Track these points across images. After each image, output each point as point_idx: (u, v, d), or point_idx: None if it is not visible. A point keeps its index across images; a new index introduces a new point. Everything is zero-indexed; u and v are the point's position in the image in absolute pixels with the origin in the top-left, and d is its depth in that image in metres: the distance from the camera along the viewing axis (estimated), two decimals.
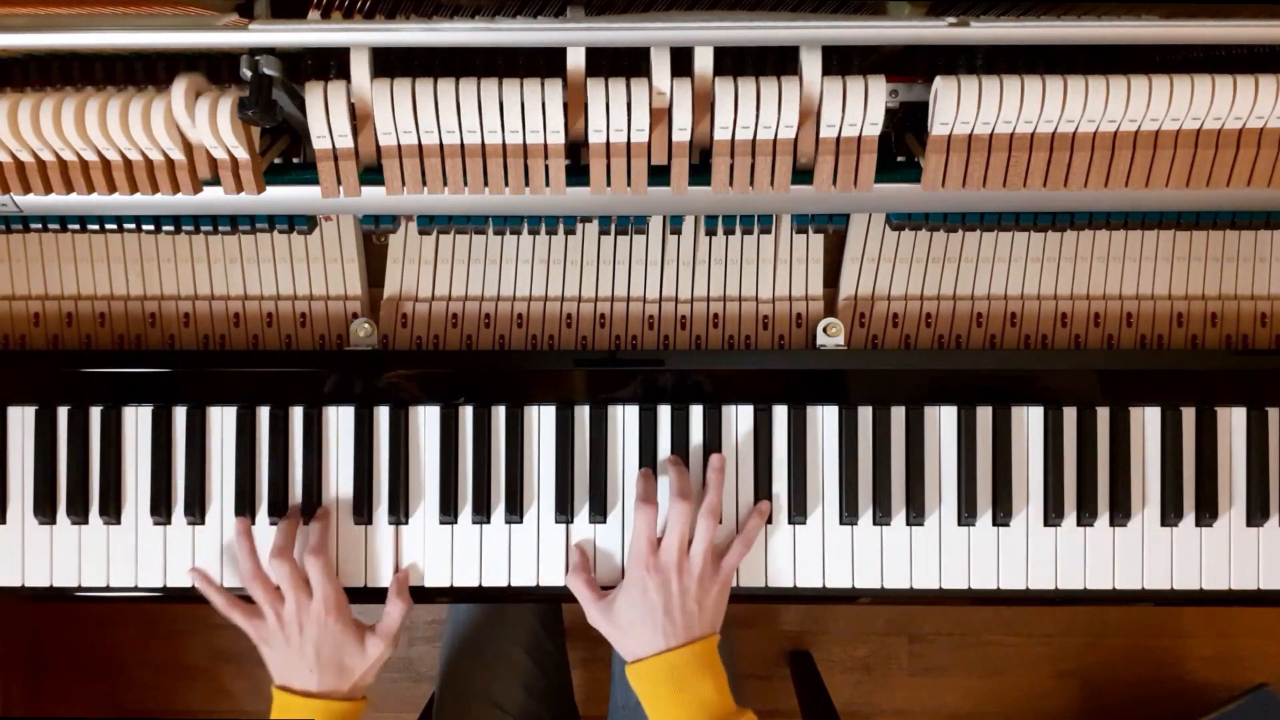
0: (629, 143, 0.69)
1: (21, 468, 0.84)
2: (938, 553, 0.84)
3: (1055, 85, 0.66)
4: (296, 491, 0.84)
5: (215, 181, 0.72)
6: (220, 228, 0.86)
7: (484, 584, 0.84)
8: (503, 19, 0.66)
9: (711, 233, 0.87)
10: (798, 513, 0.83)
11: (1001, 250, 0.86)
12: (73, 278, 0.87)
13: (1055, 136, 0.69)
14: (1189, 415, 0.83)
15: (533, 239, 0.87)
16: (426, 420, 0.84)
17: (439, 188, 0.71)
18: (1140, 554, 0.83)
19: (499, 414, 0.84)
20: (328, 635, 0.78)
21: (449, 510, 0.83)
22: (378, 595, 0.83)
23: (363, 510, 0.84)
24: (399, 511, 0.83)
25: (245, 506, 0.84)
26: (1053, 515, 0.83)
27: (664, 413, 0.84)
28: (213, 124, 0.67)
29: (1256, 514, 0.83)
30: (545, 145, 0.69)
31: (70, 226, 0.86)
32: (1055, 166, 0.71)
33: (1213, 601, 0.83)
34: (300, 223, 0.86)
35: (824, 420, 0.84)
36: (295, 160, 0.81)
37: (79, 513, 0.84)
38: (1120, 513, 0.83)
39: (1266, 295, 0.86)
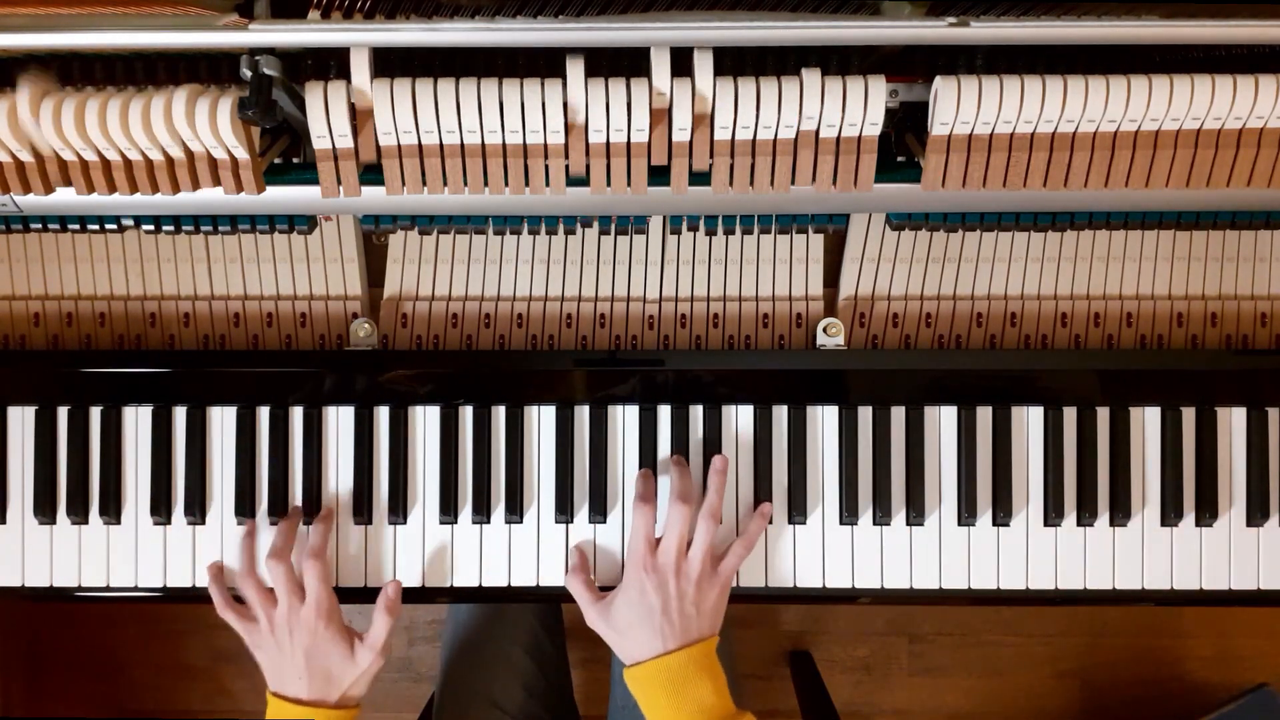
0: (629, 143, 0.69)
1: (21, 468, 0.84)
2: (938, 553, 0.84)
3: (1055, 85, 0.66)
4: (296, 491, 0.84)
5: (216, 182, 0.72)
6: (220, 228, 0.85)
7: (484, 584, 0.84)
8: (503, 19, 0.66)
9: (711, 233, 0.87)
10: (798, 513, 0.83)
11: (1001, 250, 0.86)
12: (73, 278, 0.87)
13: (1055, 136, 0.69)
14: (1189, 415, 0.83)
15: (533, 239, 0.87)
16: (426, 420, 0.84)
17: (439, 188, 0.71)
18: (1140, 554, 0.83)
19: (499, 414, 0.84)
20: (317, 642, 0.77)
21: (449, 510, 0.83)
22: (377, 596, 0.83)
23: (362, 510, 0.84)
24: (399, 511, 0.83)
25: (245, 507, 0.84)
26: (1053, 515, 0.83)
27: (664, 413, 0.84)
28: (213, 124, 0.67)
29: (1256, 514, 0.83)
30: (545, 145, 0.69)
31: (70, 226, 0.86)
32: (1055, 166, 0.71)
33: (1213, 601, 0.83)
34: (300, 223, 0.86)
35: (824, 420, 0.84)
36: (295, 160, 0.81)
37: (79, 513, 0.84)
38: (1120, 513, 0.83)
39: (1266, 295, 0.86)
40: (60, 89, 0.70)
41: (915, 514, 0.83)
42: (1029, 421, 0.84)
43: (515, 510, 0.83)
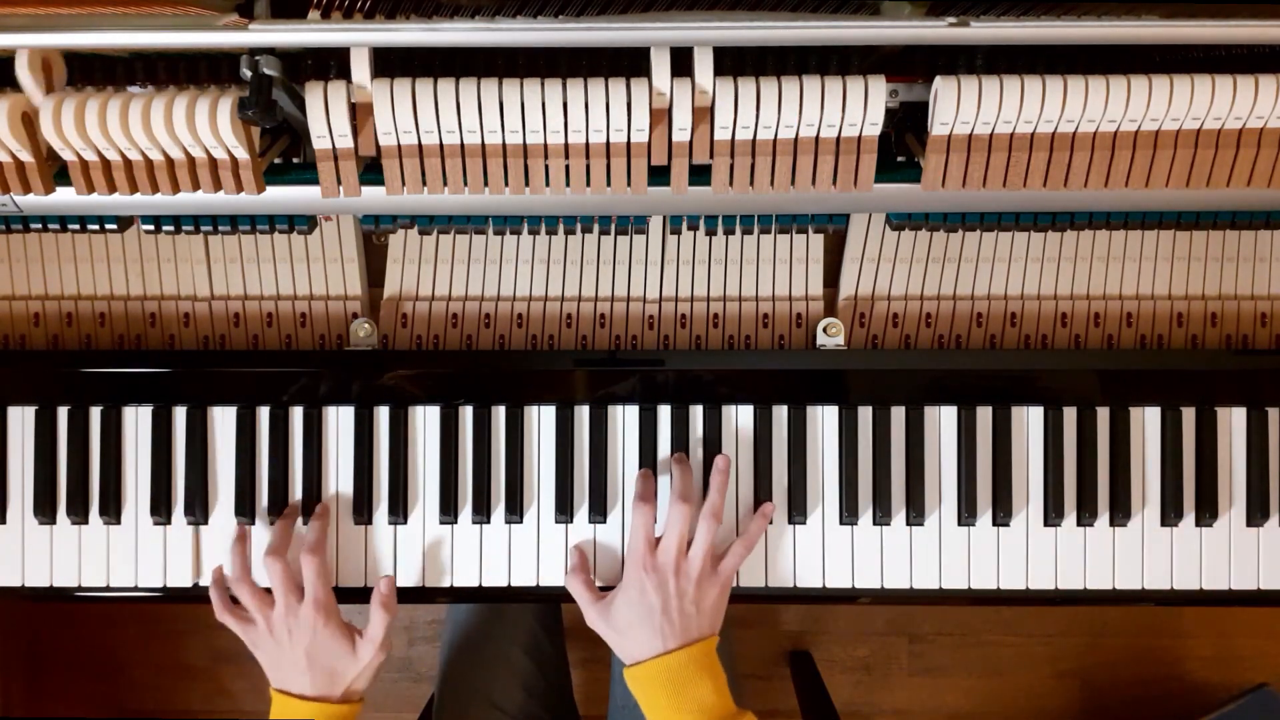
0: (629, 143, 0.69)
1: (21, 468, 0.84)
2: (938, 553, 0.84)
3: (1055, 85, 0.66)
4: (296, 491, 0.84)
5: (216, 182, 0.72)
6: (220, 228, 0.85)
7: (484, 584, 0.84)
8: (503, 19, 0.66)
9: (711, 233, 0.87)
10: (798, 513, 0.83)
11: (1001, 250, 0.86)
12: (73, 278, 0.87)
13: (1055, 136, 0.69)
14: (1189, 415, 0.83)
15: (533, 239, 0.87)
16: (426, 420, 0.84)
17: (439, 188, 0.71)
18: (1140, 554, 0.83)
19: (499, 414, 0.84)
20: (318, 638, 0.77)
21: (449, 510, 0.83)
22: None
23: (362, 510, 0.84)
24: (399, 511, 0.83)
25: (245, 506, 0.84)
26: (1053, 515, 0.83)
27: (664, 412, 0.84)
28: (213, 124, 0.67)
29: (1256, 514, 0.83)
30: (545, 145, 0.69)
31: (70, 226, 0.86)
32: (1055, 166, 0.71)
33: (1213, 601, 0.83)
34: (300, 223, 0.86)
35: (824, 420, 0.84)
36: (295, 160, 0.81)
37: (79, 513, 0.84)
38: (1120, 513, 0.83)
39: (1266, 295, 0.86)
40: (63, 85, 0.70)
41: (915, 514, 0.83)
42: (1029, 421, 0.84)
43: (515, 510, 0.83)
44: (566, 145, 0.70)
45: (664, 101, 0.67)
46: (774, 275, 0.87)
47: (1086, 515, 0.83)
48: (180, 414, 0.84)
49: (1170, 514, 0.83)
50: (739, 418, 0.84)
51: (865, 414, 0.84)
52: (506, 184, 0.71)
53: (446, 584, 0.84)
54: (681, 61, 0.67)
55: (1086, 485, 0.83)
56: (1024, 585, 0.83)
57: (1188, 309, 0.86)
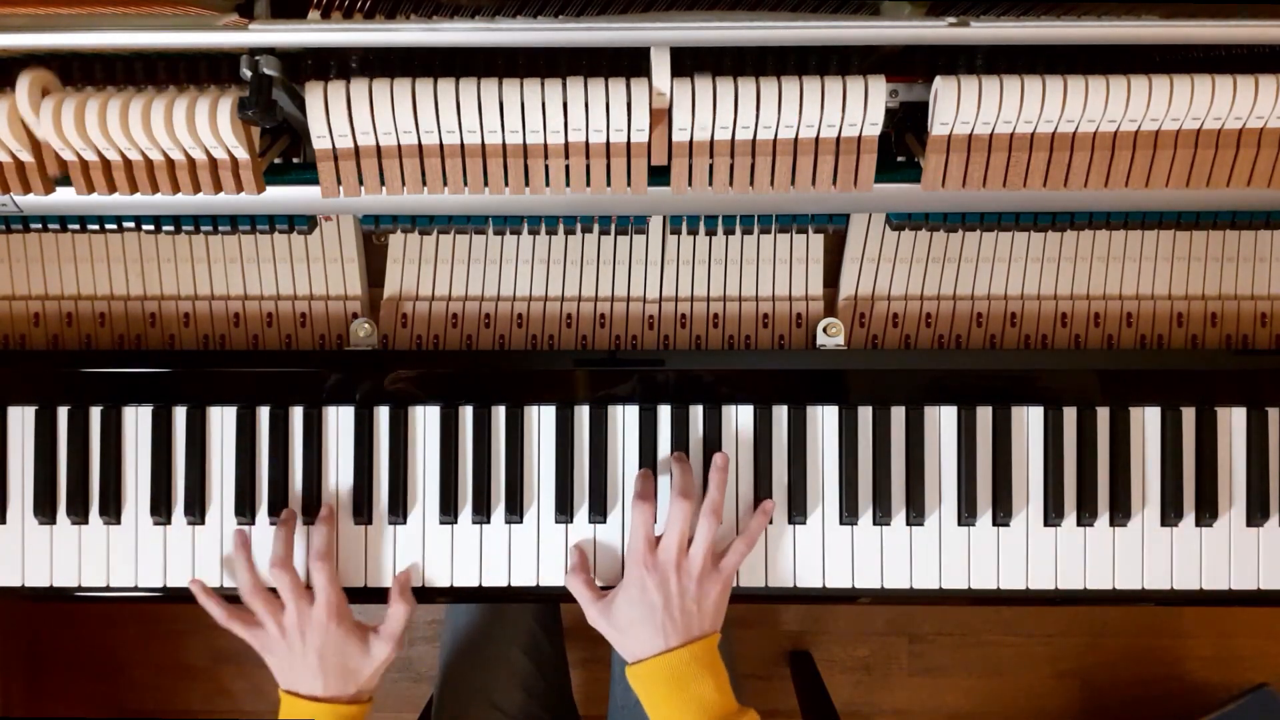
0: (629, 142, 0.69)
1: (21, 468, 0.84)
2: (938, 553, 0.84)
3: (1055, 85, 0.66)
4: (296, 491, 0.84)
5: (216, 182, 0.72)
6: (220, 228, 0.86)
7: (484, 584, 0.84)
8: (503, 19, 0.66)
9: (711, 233, 0.87)
10: (798, 513, 0.83)
11: (1001, 250, 0.86)
12: (73, 278, 0.87)
13: (1055, 136, 0.69)
14: (1189, 415, 0.83)
15: (533, 239, 0.87)
16: (426, 420, 0.84)
17: (439, 188, 0.71)
18: (1140, 554, 0.83)
19: (499, 414, 0.84)
20: (331, 641, 0.78)
21: (449, 510, 0.83)
22: (377, 595, 0.83)
23: (363, 510, 0.84)
24: (399, 511, 0.83)
25: (245, 507, 0.84)
26: (1053, 515, 0.83)
27: (664, 412, 0.84)
28: (213, 124, 0.67)
29: (1256, 514, 0.83)
30: (545, 145, 0.69)
31: (70, 226, 0.86)
32: (1055, 166, 0.71)
33: (1213, 601, 0.83)
34: (300, 223, 0.86)
35: (824, 420, 0.84)
36: (295, 160, 0.81)
37: (79, 513, 0.84)
38: (1120, 513, 0.83)
39: (1266, 295, 0.86)
40: (61, 87, 0.70)
41: (915, 514, 0.83)
42: (1029, 421, 0.84)
43: (515, 510, 0.83)
44: (566, 145, 0.70)
45: (664, 101, 0.67)
46: (774, 275, 0.87)
47: (1086, 515, 0.83)
48: (180, 414, 0.84)
49: (1170, 514, 0.83)
50: (739, 418, 0.84)
51: (865, 414, 0.84)
52: (506, 184, 0.71)
53: (446, 584, 0.84)
54: (682, 61, 0.67)
55: (1086, 485, 0.83)
56: (1024, 585, 0.83)
57: (1188, 309, 0.86)
